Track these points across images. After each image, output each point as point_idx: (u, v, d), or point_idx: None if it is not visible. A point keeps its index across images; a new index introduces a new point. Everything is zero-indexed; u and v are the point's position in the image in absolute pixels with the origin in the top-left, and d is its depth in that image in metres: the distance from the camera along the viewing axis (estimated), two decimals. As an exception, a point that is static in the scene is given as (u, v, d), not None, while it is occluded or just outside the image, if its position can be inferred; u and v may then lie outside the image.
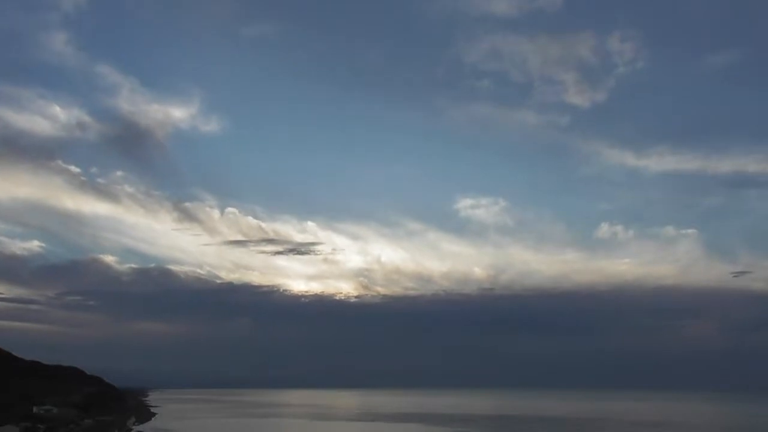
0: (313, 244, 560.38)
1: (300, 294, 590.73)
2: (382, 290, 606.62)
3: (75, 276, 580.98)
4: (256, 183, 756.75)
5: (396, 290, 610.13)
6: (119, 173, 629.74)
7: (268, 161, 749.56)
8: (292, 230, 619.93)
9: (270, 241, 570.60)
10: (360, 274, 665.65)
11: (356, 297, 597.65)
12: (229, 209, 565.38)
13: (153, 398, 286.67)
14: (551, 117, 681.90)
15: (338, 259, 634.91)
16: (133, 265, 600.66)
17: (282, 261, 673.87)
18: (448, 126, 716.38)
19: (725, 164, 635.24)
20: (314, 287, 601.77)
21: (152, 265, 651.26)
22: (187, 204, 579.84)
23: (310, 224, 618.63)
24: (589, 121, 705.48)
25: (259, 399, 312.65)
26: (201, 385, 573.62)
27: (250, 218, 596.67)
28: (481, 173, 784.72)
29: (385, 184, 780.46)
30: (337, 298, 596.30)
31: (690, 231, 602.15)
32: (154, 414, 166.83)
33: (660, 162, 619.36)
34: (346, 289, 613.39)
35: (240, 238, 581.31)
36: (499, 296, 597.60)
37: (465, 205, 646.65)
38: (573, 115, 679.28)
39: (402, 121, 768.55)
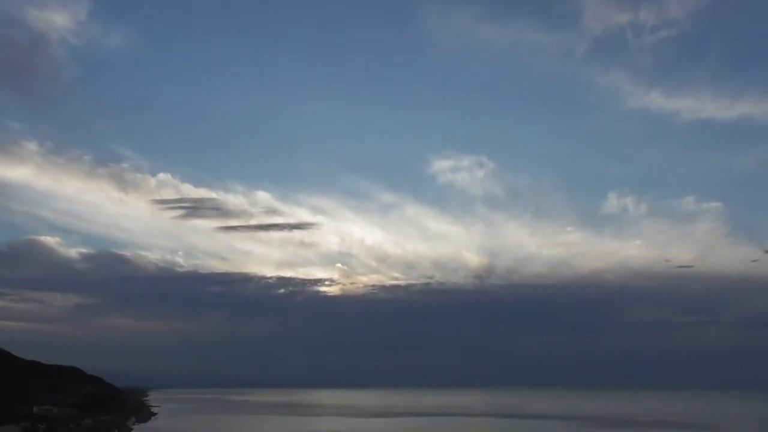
0: (276, 223, 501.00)
1: (277, 283, 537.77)
2: (365, 279, 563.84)
3: (18, 262, 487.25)
4: (186, 134, 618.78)
5: (381, 279, 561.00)
6: (12, 123, 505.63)
7: (194, 97, 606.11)
8: (244, 202, 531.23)
9: (222, 215, 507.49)
10: (337, 260, 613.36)
11: (340, 288, 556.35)
12: (162, 175, 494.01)
13: (153, 398, 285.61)
14: (567, 35, 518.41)
15: (311, 241, 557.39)
16: (80, 249, 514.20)
17: (242, 242, 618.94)
18: (421, 45, 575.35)
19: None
20: (289, 275, 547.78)
21: (95, 247, 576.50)
22: (110, 166, 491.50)
23: (263, 195, 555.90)
24: (615, 39, 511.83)
25: (256, 399, 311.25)
26: (187, 385, 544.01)
27: (189, 186, 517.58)
28: (460, 121, 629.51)
29: (338, 134, 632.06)
30: (318, 288, 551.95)
31: (714, 204, 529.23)
32: (154, 414, 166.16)
33: (695, 106, 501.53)
34: (323, 276, 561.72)
35: (184, 212, 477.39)
36: (494, 286, 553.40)
37: (442, 167, 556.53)
38: (601, 28, 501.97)
39: (356, 35, 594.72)
